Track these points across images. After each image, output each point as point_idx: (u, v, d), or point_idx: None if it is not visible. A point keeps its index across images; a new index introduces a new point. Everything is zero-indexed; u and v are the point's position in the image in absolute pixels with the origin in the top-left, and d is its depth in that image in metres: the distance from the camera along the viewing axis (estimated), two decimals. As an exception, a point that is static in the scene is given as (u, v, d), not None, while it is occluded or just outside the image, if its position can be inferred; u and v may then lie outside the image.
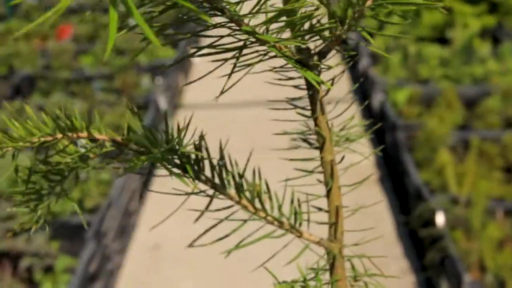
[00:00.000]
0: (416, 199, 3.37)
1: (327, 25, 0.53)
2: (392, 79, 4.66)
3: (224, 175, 0.67)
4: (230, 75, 0.49)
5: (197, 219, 0.64)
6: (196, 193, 0.63)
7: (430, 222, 3.16)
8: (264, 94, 0.69)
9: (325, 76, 0.64)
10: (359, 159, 0.72)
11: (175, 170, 0.63)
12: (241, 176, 0.67)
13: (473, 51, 4.96)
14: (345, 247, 0.72)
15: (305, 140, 0.69)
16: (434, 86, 4.59)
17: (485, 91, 4.39)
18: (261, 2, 0.51)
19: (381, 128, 4.38)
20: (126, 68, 4.97)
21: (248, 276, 0.78)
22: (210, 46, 0.54)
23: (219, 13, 0.50)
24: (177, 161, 0.63)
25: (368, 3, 0.51)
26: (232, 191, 0.67)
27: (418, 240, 3.37)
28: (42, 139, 0.60)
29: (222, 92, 0.53)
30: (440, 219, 3.10)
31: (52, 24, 6.01)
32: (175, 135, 0.61)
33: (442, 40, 5.44)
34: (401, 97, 4.36)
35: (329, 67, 0.58)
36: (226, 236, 0.64)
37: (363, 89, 5.19)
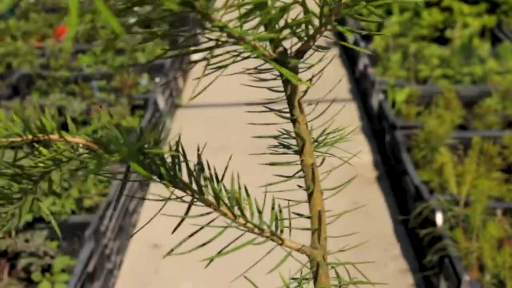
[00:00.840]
0: (416, 198, 3.36)
1: (302, 22, 0.51)
2: (391, 79, 4.65)
3: (202, 180, 0.64)
4: (201, 77, 0.48)
5: (175, 229, 0.62)
6: (173, 199, 0.61)
7: (430, 221, 3.15)
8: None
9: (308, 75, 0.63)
10: (339, 162, 0.70)
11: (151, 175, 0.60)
12: (219, 181, 0.64)
13: (473, 50, 4.95)
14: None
15: (284, 145, 0.67)
16: (433, 86, 4.58)
17: (484, 91, 4.38)
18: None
19: (381, 128, 4.37)
20: (125, 68, 4.96)
21: (242, 278, 0.76)
22: (180, 46, 0.52)
23: (189, 9, 0.49)
24: (152, 165, 0.61)
25: (344, 0, 0.50)
26: (210, 197, 0.64)
27: (417, 240, 3.36)
28: (10, 139, 0.57)
29: (197, 94, 0.52)
30: (439, 218, 3.09)
31: (51, 24, 6.01)
32: (148, 136, 0.59)
33: (442, 40, 5.43)
34: (401, 97, 4.35)
35: (310, 66, 0.56)
36: (205, 244, 0.62)
37: (362, 89, 5.18)
